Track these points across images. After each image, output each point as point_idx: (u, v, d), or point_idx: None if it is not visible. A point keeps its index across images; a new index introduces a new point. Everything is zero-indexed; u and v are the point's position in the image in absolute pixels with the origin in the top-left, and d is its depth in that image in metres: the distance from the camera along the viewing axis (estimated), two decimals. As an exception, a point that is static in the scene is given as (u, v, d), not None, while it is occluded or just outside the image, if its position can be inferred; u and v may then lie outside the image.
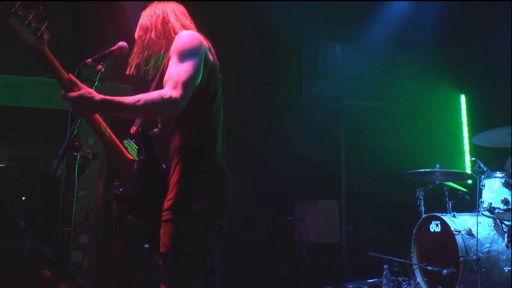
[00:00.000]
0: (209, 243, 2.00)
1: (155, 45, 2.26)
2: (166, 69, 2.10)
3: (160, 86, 2.12)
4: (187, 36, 2.11)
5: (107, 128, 2.14)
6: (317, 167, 6.38)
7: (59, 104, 6.18)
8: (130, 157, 2.21)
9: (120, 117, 2.00)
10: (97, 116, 2.10)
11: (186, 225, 1.95)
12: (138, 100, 1.90)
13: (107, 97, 1.88)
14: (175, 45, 2.08)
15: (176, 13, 2.28)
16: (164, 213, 2.00)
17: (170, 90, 1.93)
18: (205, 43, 2.16)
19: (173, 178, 2.03)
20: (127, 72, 2.31)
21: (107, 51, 2.29)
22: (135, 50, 2.32)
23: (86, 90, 1.90)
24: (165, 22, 2.23)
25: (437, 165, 4.65)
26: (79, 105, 1.88)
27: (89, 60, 2.27)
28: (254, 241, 5.99)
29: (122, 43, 2.28)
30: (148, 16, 2.28)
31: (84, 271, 5.73)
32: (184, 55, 2.03)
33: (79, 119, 2.19)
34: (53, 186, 5.24)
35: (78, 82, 1.97)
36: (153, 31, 2.23)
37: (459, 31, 6.64)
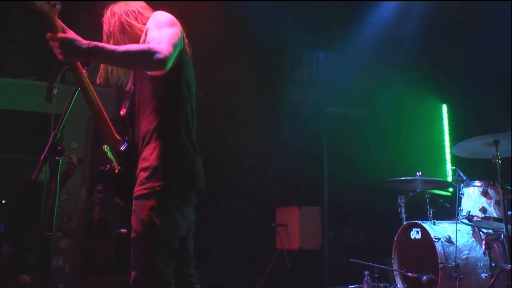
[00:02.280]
0: (176, 224, 2.02)
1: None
2: None
3: (137, 73, 2.16)
4: (162, 13, 2.17)
5: (98, 100, 2.14)
6: (300, 173, 6.42)
7: (40, 107, 6.13)
8: (119, 137, 2.23)
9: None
10: (89, 84, 2.09)
11: (153, 204, 1.97)
12: (127, 49, 1.91)
13: (92, 42, 1.87)
14: (152, 20, 2.11)
15: (135, 13, 2.28)
16: (136, 189, 2.03)
17: (156, 44, 1.94)
18: (180, 27, 2.18)
19: (143, 158, 2.07)
20: (97, 81, 2.32)
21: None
22: None
23: (73, 34, 1.91)
24: (123, 28, 2.24)
25: (418, 173, 4.71)
26: (66, 46, 1.84)
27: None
28: (236, 246, 5.98)
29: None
30: (106, 23, 2.30)
31: (64, 276, 5.66)
32: (163, 24, 2.07)
33: (62, 123, 2.19)
34: (34, 190, 5.17)
35: (67, 29, 2.01)
36: (111, 40, 2.25)
37: (441, 41, 6.76)
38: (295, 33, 6.63)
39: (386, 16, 6.49)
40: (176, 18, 2.20)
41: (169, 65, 1.96)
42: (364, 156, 6.48)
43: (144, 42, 2.12)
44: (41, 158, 2.22)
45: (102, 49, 1.87)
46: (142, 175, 2.03)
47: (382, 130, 6.69)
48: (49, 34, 1.86)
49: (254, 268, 5.77)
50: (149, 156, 2.04)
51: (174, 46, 2.00)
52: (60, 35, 1.85)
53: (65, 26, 2.03)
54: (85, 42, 1.85)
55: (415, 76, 6.68)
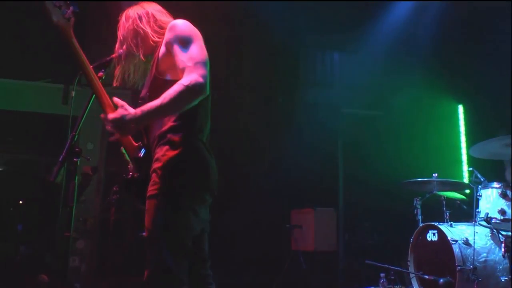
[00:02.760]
0: (189, 223, 2.03)
1: (131, 57, 2.28)
2: (156, 62, 2.16)
3: (155, 81, 2.17)
4: (183, 24, 2.14)
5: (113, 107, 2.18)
6: (315, 175, 6.40)
7: (56, 109, 6.21)
8: (135, 143, 2.25)
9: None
10: (108, 99, 2.13)
11: (165, 205, 1.98)
12: (164, 99, 1.94)
13: (139, 110, 1.95)
14: (172, 34, 2.10)
15: (148, 18, 2.28)
16: (149, 189, 2.05)
17: (189, 75, 1.97)
18: (199, 34, 2.18)
19: (156, 159, 2.08)
20: (114, 84, 2.35)
21: (108, 58, 2.32)
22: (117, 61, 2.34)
23: (121, 110, 1.98)
24: (136, 32, 2.25)
25: (435, 175, 4.67)
26: (119, 126, 1.97)
27: (90, 67, 2.29)
28: (251, 247, 5.98)
29: (122, 50, 2.30)
30: (120, 28, 2.31)
31: (81, 276, 5.71)
32: (187, 40, 2.07)
33: (80, 125, 2.22)
34: (52, 191, 5.24)
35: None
36: (124, 44, 2.26)
37: (458, 41, 6.68)
38: (310, 34, 6.62)
39: (401, 16, 6.45)
40: (192, 21, 2.21)
41: (208, 87, 1.99)
42: (379, 157, 6.43)
43: (164, 55, 2.13)
44: (60, 160, 2.25)
45: (149, 112, 1.94)
46: (155, 175, 2.04)
47: (398, 131, 6.64)
48: (102, 115, 2.01)
49: (269, 269, 5.76)
50: (161, 156, 2.05)
51: (206, 63, 2.02)
52: (111, 116, 1.97)
53: (78, 46, 2.06)
54: (132, 113, 1.95)
55: (430, 77, 6.63)
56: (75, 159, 2.39)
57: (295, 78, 6.84)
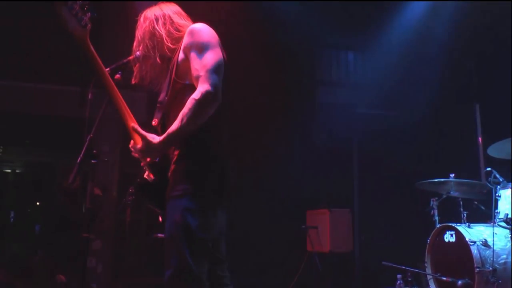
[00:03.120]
0: (209, 225, 2.04)
1: (147, 57, 2.28)
2: (175, 66, 2.16)
3: (174, 85, 2.18)
4: (201, 29, 2.14)
5: (128, 111, 2.21)
6: (330, 175, 6.37)
7: (73, 111, 6.28)
8: None
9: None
10: (123, 104, 2.17)
11: (185, 206, 1.99)
12: (182, 120, 1.98)
13: (163, 137, 2.01)
14: (190, 40, 2.10)
15: (165, 20, 2.27)
16: (168, 191, 2.07)
17: (200, 87, 1.99)
18: (217, 38, 2.18)
19: (174, 162, 2.10)
20: (133, 81, 2.35)
21: (124, 61, 2.33)
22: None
23: (145, 140, 2.04)
24: (152, 34, 2.25)
25: (451, 175, 4.61)
26: (148, 155, 2.07)
27: (107, 69, 2.29)
28: (266, 249, 5.98)
29: (138, 52, 2.30)
30: (138, 29, 2.31)
31: (97, 276, 5.77)
32: (203, 47, 2.07)
33: (96, 127, 2.25)
34: (69, 192, 5.30)
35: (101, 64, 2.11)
36: (141, 45, 2.26)
37: (473, 39, 6.60)
38: (323, 34, 6.60)
39: (415, 15, 6.39)
40: (207, 22, 2.21)
41: (220, 94, 2.02)
42: (395, 157, 6.37)
43: (182, 61, 2.14)
44: (78, 162, 2.27)
45: (171, 135, 2.00)
46: (174, 177, 2.06)
47: (413, 131, 6.57)
48: (130, 145, 2.13)
49: (284, 271, 5.75)
50: (180, 159, 2.07)
51: (218, 71, 2.04)
52: (139, 147, 2.05)
53: (95, 53, 2.08)
54: (157, 140, 2.01)
55: (446, 75, 6.55)
56: (92, 161, 2.43)
57: (310, 78, 6.83)
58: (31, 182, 8.55)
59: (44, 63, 6.04)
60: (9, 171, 8.40)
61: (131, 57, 2.32)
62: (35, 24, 5.94)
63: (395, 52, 6.49)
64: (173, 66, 2.18)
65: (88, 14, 1.92)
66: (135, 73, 2.35)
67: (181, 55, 2.15)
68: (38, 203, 8.51)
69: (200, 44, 2.07)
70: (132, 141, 2.14)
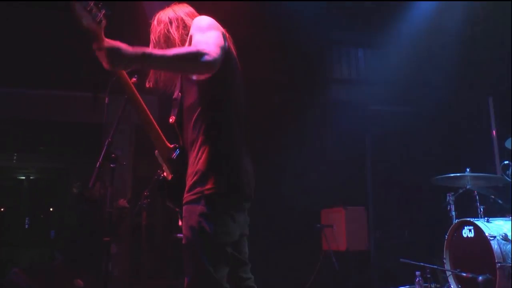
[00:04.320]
0: (227, 229, 1.99)
1: None
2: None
3: (185, 82, 2.16)
4: (204, 17, 2.15)
5: (146, 109, 2.18)
6: (344, 173, 6.34)
7: (84, 117, 6.33)
8: (170, 145, 2.24)
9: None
10: (137, 94, 2.13)
11: (202, 210, 1.95)
12: (169, 51, 1.87)
13: (140, 50, 1.80)
14: (193, 26, 2.10)
15: (178, 23, 2.26)
16: (185, 196, 2.02)
17: (203, 46, 1.91)
18: (222, 30, 2.15)
19: (191, 163, 2.06)
20: (147, 85, 2.32)
21: (140, 64, 2.33)
22: None
23: (116, 42, 1.82)
24: (167, 36, 2.24)
25: (468, 169, 4.56)
26: (113, 55, 1.78)
27: (124, 72, 2.30)
28: (282, 248, 5.96)
29: None
30: (152, 32, 2.30)
31: (113, 280, 5.79)
32: (206, 28, 2.05)
33: (113, 130, 2.25)
34: (91, 200, 5.33)
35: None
36: (156, 47, 2.24)
37: (486, 32, 6.53)
38: (333, 31, 6.58)
39: (426, 9, 6.34)
40: (217, 20, 2.20)
41: (217, 66, 1.93)
42: (408, 153, 6.33)
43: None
44: (97, 166, 2.28)
45: (151, 55, 1.80)
46: (190, 180, 2.02)
47: (427, 126, 6.52)
48: (94, 44, 1.81)
49: (300, 270, 5.73)
50: (197, 161, 2.02)
51: (221, 48, 1.98)
52: (107, 44, 1.79)
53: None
54: (132, 49, 1.79)
55: (459, 69, 6.49)
56: (111, 165, 2.44)
57: (320, 76, 6.79)
58: (45, 188, 8.62)
59: (56, 69, 6.08)
60: (24, 178, 8.47)
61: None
62: (47, 31, 5.98)
63: (406, 47, 6.44)
64: None
65: (103, 11, 1.87)
66: (149, 76, 2.33)
67: (186, 46, 2.14)
68: (51, 209, 8.58)
69: (201, 26, 2.06)
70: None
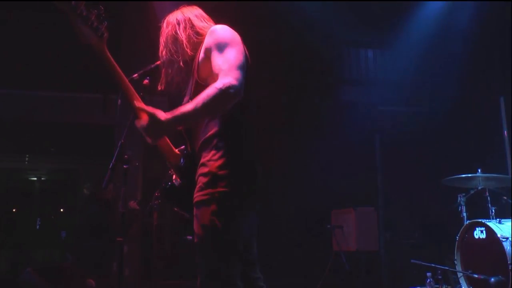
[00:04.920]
0: (238, 228, 2.01)
1: (172, 62, 2.25)
2: (196, 68, 2.14)
3: (197, 87, 2.15)
4: (222, 29, 2.12)
5: None
6: (353, 174, 6.33)
7: (94, 118, 6.37)
8: (177, 152, 2.25)
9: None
10: (142, 103, 2.12)
11: (214, 209, 1.96)
12: (197, 103, 1.89)
13: (171, 115, 1.89)
14: (211, 39, 2.08)
15: (185, 24, 2.26)
16: (195, 195, 2.03)
17: (223, 78, 1.92)
18: (239, 39, 2.15)
19: (202, 164, 2.06)
20: (159, 88, 2.32)
21: (152, 66, 2.33)
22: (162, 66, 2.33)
23: (151, 116, 1.90)
24: (175, 38, 2.24)
25: (479, 170, 4.53)
26: (151, 133, 1.92)
27: (135, 75, 2.30)
28: (292, 249, 5.97)
29: (164, 56, 2.28)
30: (162, 34, 2.30)
31: (124, 280, 5.82)
32: (224, 46, 2.03)
33: (126, 131, 2.26)
34: (104, 201, 5.37)
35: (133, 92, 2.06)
36: (165, 50, 2.26)
37: (496, 32, 6.49)
38: (343, 32, 6.56)
39: (436, 9, 6.31)
40: (228, 23, 2.19)
41: (243, 89, 1.94)
42: (418, 154, 6.30)
43: (203, 61, 2.11)
44: (110, 167, 2.30)
45: (180, 116, 1.88)
46: (202, 180, 2.02)
47: (437, 126, 6.49)
48: (136, 121, 1.94)
49: (311, 271, 5.73)
50: (207, 162, 2.03)
51: (242, 68, 1.98)
52: (142, 123, 1.90)
53: (113, 61, 2.02)
54: (163, 119, 1.87)
55: (470, 69, 6.44)
56: (124, 166, 2.45)
57: (331, 76, 6.79)
58: (55, 189, 8.69)
59: (67, 71, 6.13)
60: (35, 179, 8.55)
61: (159, 62, 2.32)
62: (58, 34, 6.04)
63: (416, 47, 6.41)
64: (195, 67, 2.17)
65: (105, 23, 1.88)
66: (161, 79, 2.33)
67: (201, 56, 2.14)
68: (62, 210, 8.65)
69: (221, 42, 2.04)
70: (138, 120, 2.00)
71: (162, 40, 2.31)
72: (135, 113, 2.03)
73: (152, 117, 1.89)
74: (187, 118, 1.90)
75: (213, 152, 2.04)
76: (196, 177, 2.07)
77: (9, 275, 6.85)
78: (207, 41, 2.10)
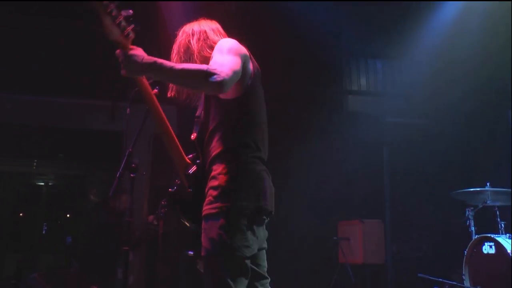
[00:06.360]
0: (247, 242, 1.98)
1: None
2: None
3: (207, 100, 2.17)
4: (227, 39, 2.16)
5: (167, 121, 2.19)
6: (361, 186, 6.29)
7: (102, 125, 6.40)
8: (188, 160, 2.25)
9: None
10: (158, 105, 2.15)
11: (222, 223, 1.95)
12: (184, 67, 1.92)
13: (151, 59, 1.88)
14: (216, 47, 2.11)
15: (200, 36, 2.27)
16: (204, 208, 2.02)
17: (213, 65, 1.94)
18: (245, 49, 2.16)
19: (212, 177, 2.06)
20: (168, 95, 2.32)
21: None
22: None
23: (139, 50, 1.91)
24: (187, 47, 2.25)
25: (488, 184, 4.49)
26: (128, 62, 1.88)
27: (147, 83, 2.31)
28: (298, 260, 5.93)
29: None
30: (176, 42, 2.32)
31: (129, 288, 5.81)
32: (226, 51, 2.05)
33: (135, 141, 2.26)
34: (109, 208, 5.38)
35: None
36: (176, 56, 2.27)
37: (504, 44, 6.46)
38: (351, 43, 6.57)
39: (444, 22, 6.30)
40: (236, 33, 2.21)
41: (226, 89, 1.94)
42: (426, 166, 6.25)
43: None
44: (117, 176, 2.30)
45: (161, 65, 1.88)
46: (211, 193, 2.02)
47: (445, 139, 6.44)
48: (118, 50, 1.90)
49: (316, 283, 5.69)
50: (217, 175, 2.03)
51: (235, 72, 1.98)
52: (129, 52, 1.89)
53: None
54: (146, 57, 1.88)
55: (477, 82, 6.41)
56: (131, 175, 2.46)
57: (338, 88, 6.78)
58: (63, 194, 8.72)
59: (77, 78, 6.18)
60: (42, 184, 8.58)
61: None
62: (68, 41, 6.10)
63: (423, 59, 6.40)
64: None
65: (132, 25, 1.91)
66: (171, 86, 2.33)
67: None
68: (68, 215, 8.67)
69: (223, 48, 2.07)
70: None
71: (175, 46, 2.32)
72: (158, 124, 2.08)
73: (134, 52, 1.89)
74: (161, 70, 1.89)
75: (223, 165, 2.04)
76: (206, 190, 2.07)
77: (15, 280, 6.86)
78: (212, 53, 2.12)
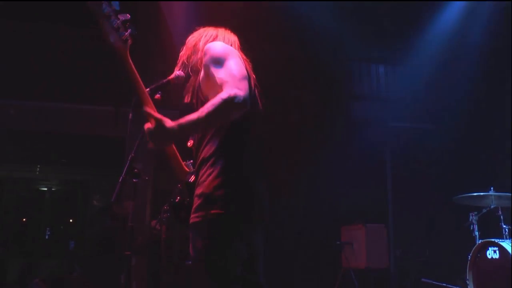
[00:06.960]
0: (233, 251, 1.94)
1: (196, 73, 2.22)
2: (199, 86, 2.12)
3: (201, 105, 2.09)
4: (215, 44, 2.11)
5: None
6: (364, 190, 6.28)
7: (105, 131, 6.42)
8: (187, 169, 2.23)
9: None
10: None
11: (207, 232, 1.92)
12: (201, 113, 1.85)
13: (176, 123, 1.85)
14: (207, 57, 2.06)
15: (211, 37, 2.25)
16: (191, 216, 1.99)
17: (228, 89, 1.88)
18: (237, 52, 2.14)
19: (197, 184, 2.02)
20: (186, 100, 2.29)
21: (164, 81, 2.31)
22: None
23: (158, 121, 1.87)
24: (195, 48, 2.23)
25: (492, 188, 4.48)
26: (155, 138, 1.88)
27: (147, 89, 2.30)
28: (301, 264, 5.91)
29: (179, 72, 2.26)
30: (190, 40, 2.29)
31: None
32: (222, 60, 2.02)
33: (136, 145, 2.26)
34: (114, 214, 5.38)
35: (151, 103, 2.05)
36: (180, 63, 2.26)
37: (508, 47, 6.46)
38: (354, 48, 6.57)
39: (447, 27, 6.31)
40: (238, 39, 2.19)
41: (249, 101, 1.91)
42: (429, 171, 6.24)
43: (203, 79, 2.10)
44: (119, 181, 2.30)
45: (185, 124, 1.85)
46: (196, 201, 1.98)
47: (448, 143, 6.43)
48: (144, 125, 1.93)
49: (320, 287, 5.67)
50: (202, 182, 1.99)
51: (245, 78, 1.96)
52: (149, 126, 1.89)
53: (134, 68, 2.02)
54: (169, 125, 1.84)
55: (480, 86, 6.40)
56: (134, 180, 2.45)
57: (341, 92, 6.78)
58: (66, 199, 8.74)
59: (79, 84, 6.20)
60: (46, 189, 8.61)
61: (171, 77, 2.31)
62: (71, 47, 6.13)
63: (427, 64, 6.39)
64: (198, 86, 2.15)
65: (129, 30, 1.93)
66: (185, 91, 2.30)
67: (202, 73, 2.12)
68: (71, 220, 8.68)
69: (217, 57, 2.03)
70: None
71: (185, 45, 2.30)
72: (145, 117, 1.99)
73: (158, 122, 1.86)
74: (190, 126, 1.86)
75: (208, 171, 1.99)
76: (194, 196, 2.02)
77: (18, 285, 6.87)
78: (205, 59, 2.08)
